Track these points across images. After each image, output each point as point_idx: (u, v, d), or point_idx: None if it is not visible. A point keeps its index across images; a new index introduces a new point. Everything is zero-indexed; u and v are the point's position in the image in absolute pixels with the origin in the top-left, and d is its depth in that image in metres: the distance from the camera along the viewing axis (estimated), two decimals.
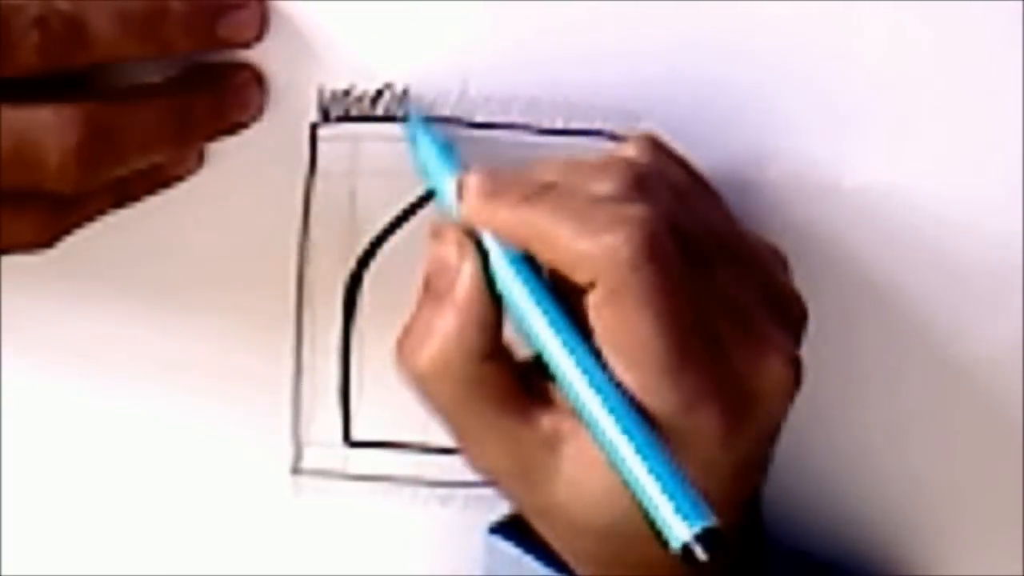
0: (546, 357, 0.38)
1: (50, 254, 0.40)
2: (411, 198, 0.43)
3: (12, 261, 0.40)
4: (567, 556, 0.41)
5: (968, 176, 0.45)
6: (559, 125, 0.43)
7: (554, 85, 0.42)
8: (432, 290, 0.39)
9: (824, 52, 0.43)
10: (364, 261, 0.44)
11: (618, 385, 0.37)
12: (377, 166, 0.43)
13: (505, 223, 0.38)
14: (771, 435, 0.39)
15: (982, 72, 0.44)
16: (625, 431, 0.36)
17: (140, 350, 0.46)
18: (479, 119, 0.42)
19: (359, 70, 0.41)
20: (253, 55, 0.40)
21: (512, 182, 0.38)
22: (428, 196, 0.43)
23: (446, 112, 0.42)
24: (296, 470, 0.49)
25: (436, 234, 0.39)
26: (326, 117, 0.42)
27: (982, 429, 0.50)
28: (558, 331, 0.37)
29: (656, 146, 0.40)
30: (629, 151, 0.40)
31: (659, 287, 0.36)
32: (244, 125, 0.41)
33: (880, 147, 0.44)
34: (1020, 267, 0.47)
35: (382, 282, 0.45)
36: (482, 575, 0.47)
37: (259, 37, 0.39)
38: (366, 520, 0.50)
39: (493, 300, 0.38)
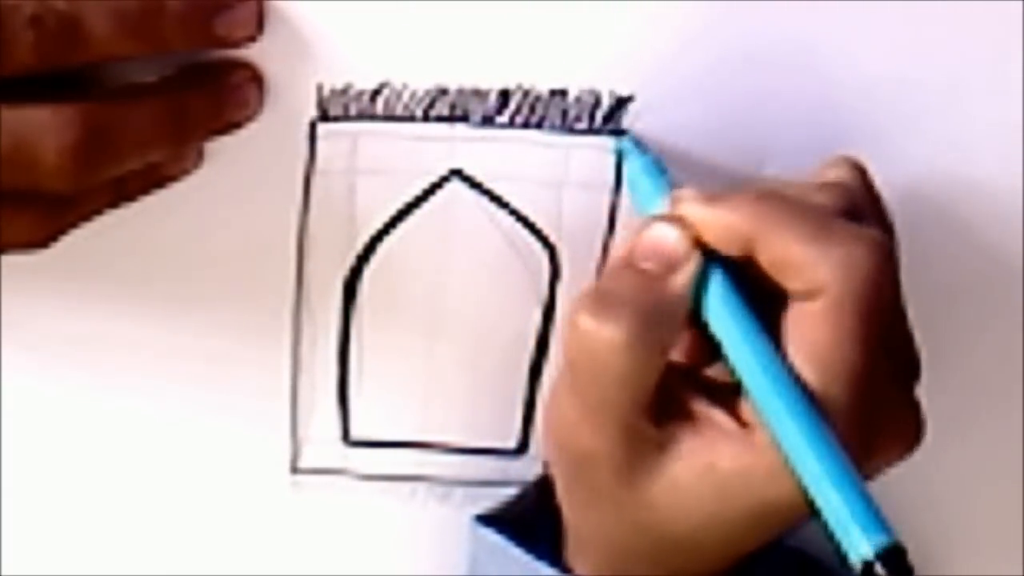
0: (739, 366, 0.39)
1: (48, 252, 0.39)
2: (410, 196, 0.43)
3: (11, 260, 0.40)
4: (611, 555, 0.42)
5: (973, 172, 0.45)
6: (557, 122, 0.42)
7: (552, 79, 0.42)
8: (639, 266, 0.39)
9: (824, 49, 0.43)
10: (363, 258, 0.44)
11: (810, 396, 0.37)
12: (376, 164, 0.43)
13: (733, 217, 0.38)
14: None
15: (984, 69, 0.44)
16: (815, 445, 0.37)
17: (137, 348, 0.46)
18: (478, 117, 0.42)
19: (357, 68, 0.41)
20: (251, 53, 0.40)
21: (730, 192, 0.39)
22: (426, 195, 0.43)
23: (444, 111, 0.42)
24: (295, 469, 0.49)
25: (672, 220, 0.39)
26: (325, 115, 0.42)
27: (983, 426, 0.50)
28: (756, 342, 0.38)
29: (862, 172, 0.42)
30: (841, 173, 0.41)
31: (886, 309, 0.38)
32: (240, 124, 0.41)
33: (884, 145, 0.44)
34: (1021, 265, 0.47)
35: (381, 280, 0.45)
36: (467, 572, 0.47)
37: (256, 35, 0.39)
38: (365, 518, 0.50)
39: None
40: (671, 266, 0.39)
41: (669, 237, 0.39)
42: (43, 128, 0.36)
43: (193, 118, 0.40)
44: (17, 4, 0.35)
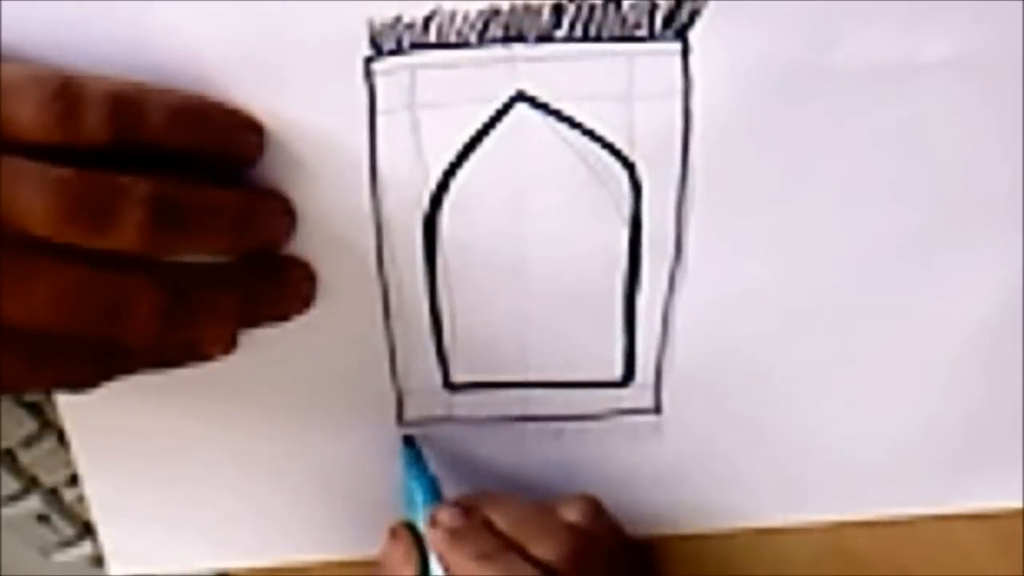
0: None
1: None
2: (476, 124, 0.42)
3: None
4: None
5: None
6: (616, 31, 0.41)
7: None
8: (380, 571, 0.48)
9: None
10: (438, 196, 0.43)
11: None
12: (437, 95, 0.41)
13: (463, 568, 0.45)
14: None
15: None
16: None
17: None
18: (534, 35, 0.41)
19: None
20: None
21: (475, 531, 0.46)
22: (493, 122, 0.42)
23: (499, 33, 0.41)
24: (401, 420, 0.49)
25: (394, 535, 0.48)
26: (379, 50, 0.41)
27: None
28: None
29: (597, 512, 0.48)
30: (571, 515, 0.47)
31: None
32: (289, 318, 0.44)
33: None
34: None
35: (460, 216, 0.44)
36: None
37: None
38: (476, 462, 0.50)
39: None
40: (396, 573, 0.47)
41: (395, 553, 0.47)
42: (140, 288, 0.38)
43: (260, 303, 0.43)
44: (130, 183, 0.37)
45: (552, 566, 0.45)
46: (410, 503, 0.48)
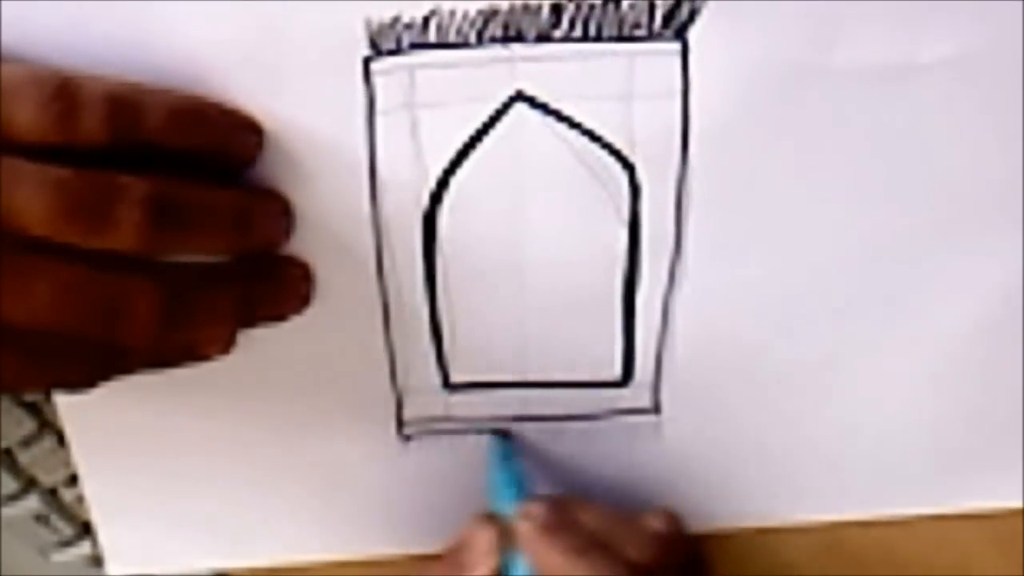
0: None
1: None
2: (475, 124, 0.42)
3: None
4: None
5: None
6: (615, 31, 0.41)
7: None
8: (454, 558, 0.47)
9: None
10: (437, 196, 0.43)
11: None
12: (436, 95, 0.41)
13: (553, 562, 0.45)
14: None
15: None
16: None
17: None
18: (533, 34, 0.41)
19: None
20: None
21: (567, 527, 0.45)
22: (493, 121, 0.42)
23: (498, 32, 0.41)
24: (400, 420, 0.49)
25: (482, 521, 0.47)
26: (377, 50, 0.41)
27: None
28: None
29: (679, 523, 0.48)
30: (657, 523, 0.47)
31: None
32: (286, 317, 0.44)
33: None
34: None
35: (459, 216, 0.44)
36: None
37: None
38: (476, 464, 0.50)
39: None
40: (476, 563, 0.46)
41: (480, 539, 0.46)
42: (138, 288, 0.38)
43: (258, 303, 0.43)
44: (129, 183, 0.37)
45: (641, 569, 0.45)
46: (497, 496, 0.48)
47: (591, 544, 0.45)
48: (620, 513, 0.47)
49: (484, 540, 0.46)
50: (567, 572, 0.44)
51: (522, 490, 0.47)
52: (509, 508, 0.46)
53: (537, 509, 0.46)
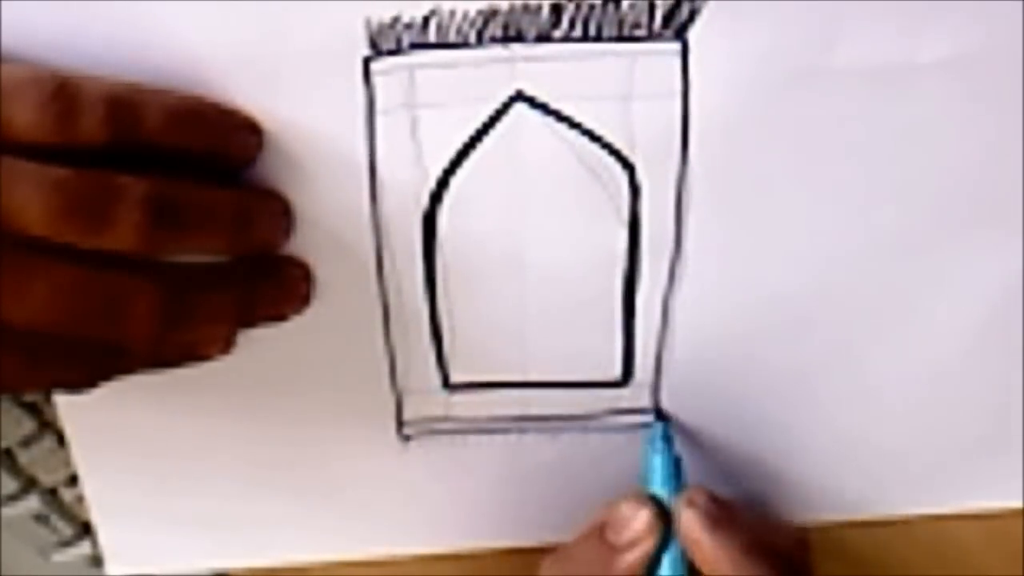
0: None
1: None
2: (475, 124, 0.42)
3: None
4: None
5: None
6: (614, 31, 0.41)
7: None
8: (605, 536, 0.45)
9: None
10: (437, 196, 0.43)
11: None
12: (436, 94, 0.41)
13: (715, 556, 0.44)
14: None
15: None
16: None
17: None
18: (533, 34, 0.41)
19: None
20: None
21: (732, 522, 0.44)
22: (493, 121, 0.42)
23: (498, 32, 0.41)
24: (400, 421, 0.49)
25: (641, 501, 0.45)
26: (377, 50, 0.41)
27: None
28: None
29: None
30: (792, 526, 0.48)
31: None
32: (286, 317, 0.44)
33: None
34: None
35: (459, 216, 0.44)
36: None
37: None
38: (475, 462, 0.50)
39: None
40: (632, 543, 0.45)
41: (637, 518, 0.45)
42: (137, 288, 0.38)
43: (258, 303, 0.43)
44: (129, 183, 0.37)
45: (793, 571, 0.45)
46: (649, 480, 0.47)
47: (754, 544, 0.44)
48: (762, 513, 0.47)
49: (643, 520, 0.45)
50: (731, 568, 0.44)
51: (680, 478, 0.46)
52: (664, 494, 0.46)
53: (702, 499, 0.45)
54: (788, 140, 0.43)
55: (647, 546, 0.44)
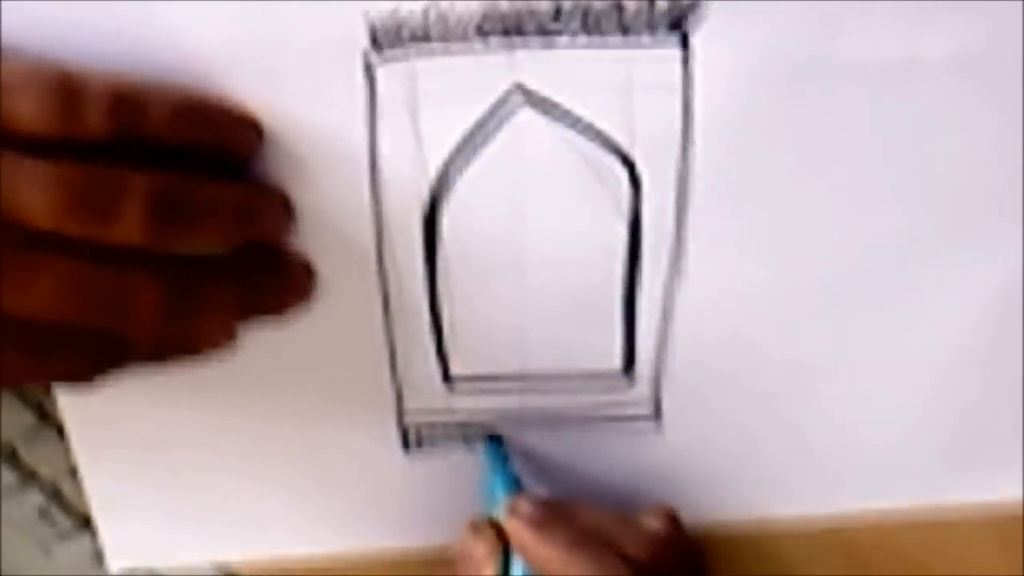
0: None
1: None
2: (475, 119, 0.42)
3: None
4: None
5: None
6: (615, 31, 0.41)
7: None
8: (457, 571, 0.46)
9: None
10: (438, 191, 0.43)
11: None
12: (437, 90, 0.42)
13: (546, 556, 0.44)
14: None
15: None
16: None
17: None
18: (533, 32, 0.41)
19: None
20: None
21: (559, 521, 0.45)
22: (494, 119, 0.42)
23: (498, 28, 0.41)
24: (400, 413, 0.49)
25: (475, 529, 0.46)
26: (378, 46, 0.41)
27: None
28: None
29: (678, 523, 0.47)
30: (655, 523, 0.46)
31: None
32: (288, 311, 0.44)
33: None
34: None
35: (460, 212, 0.44)
36: None
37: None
38: (478, 459, 0.50)
39: None
40: (478, 572, 0.46)
41: (477, 547, 0.46)
42: (140, 282, 0.38)
43: (259, 297, 0.43)
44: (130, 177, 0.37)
45: (639, 566, 0.44)
46: (491, 499, 0.47)
47: (586, 538, 0.44)
48: (618, 511, 0.47)
49: (480, 549, 0.46)
50: (562, 567, 0.44)
51: (514, 489, 0.47)
52: (501, 509, 0.46)
53: (524, 505, 0.45)
54: (789, 137, 0.43)
55: (489, 572, 0.45)
